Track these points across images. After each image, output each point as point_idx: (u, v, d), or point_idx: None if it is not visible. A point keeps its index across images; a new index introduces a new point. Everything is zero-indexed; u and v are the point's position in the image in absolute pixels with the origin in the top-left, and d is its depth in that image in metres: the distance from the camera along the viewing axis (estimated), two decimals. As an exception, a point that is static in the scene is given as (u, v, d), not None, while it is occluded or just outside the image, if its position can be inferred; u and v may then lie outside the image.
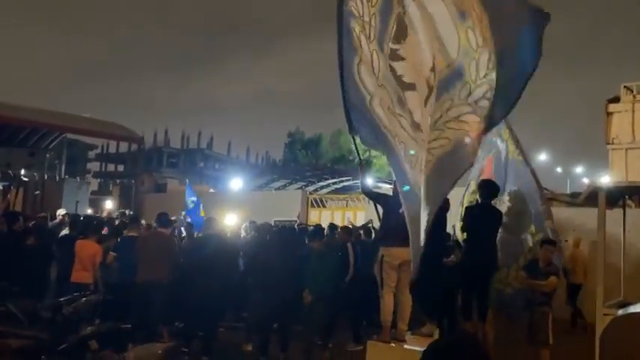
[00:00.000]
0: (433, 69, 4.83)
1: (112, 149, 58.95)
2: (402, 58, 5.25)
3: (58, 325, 6.28)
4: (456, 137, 4.46)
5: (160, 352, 4.74)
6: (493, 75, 4.24)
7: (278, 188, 25.86)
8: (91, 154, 58.27)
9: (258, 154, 66.68)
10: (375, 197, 6.26)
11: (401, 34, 5.19)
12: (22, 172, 20.15)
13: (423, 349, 5.15)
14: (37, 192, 19.63)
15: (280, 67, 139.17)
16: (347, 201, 18.60)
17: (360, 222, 13.93)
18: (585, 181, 41.62)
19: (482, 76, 4.35)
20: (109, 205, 11.99)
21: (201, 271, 7.57)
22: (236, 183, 24.79)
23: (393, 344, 5.77)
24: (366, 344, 5.85)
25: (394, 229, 5.77)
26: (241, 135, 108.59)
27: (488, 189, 6.71)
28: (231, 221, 12.05)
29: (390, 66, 5.34)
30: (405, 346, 5.73)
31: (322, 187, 24.59)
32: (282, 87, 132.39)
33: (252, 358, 7.45)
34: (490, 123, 4.33)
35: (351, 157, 39.37)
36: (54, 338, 5.58)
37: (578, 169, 44.47)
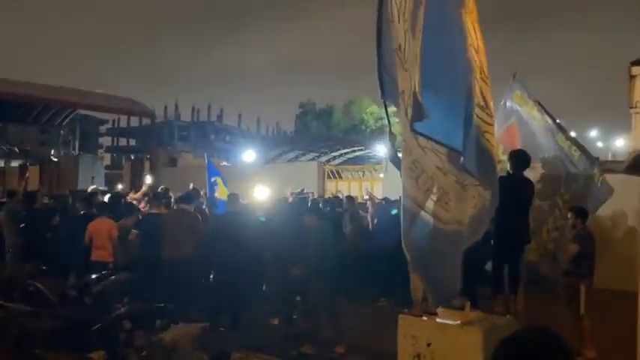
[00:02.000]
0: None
1: (123, 123, 59.05)
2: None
3: (87, 305, 6.34)
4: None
5: (196, 332, 4.73)
6: None
7: (291, 160, 25.76)
8: (102, 128, 58.43)
9: (268, 125, 66.51)
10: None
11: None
12: (52, 151, 20.17)
13: (456, 323, 5.06)
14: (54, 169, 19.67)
15: (295, 35, 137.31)
16: (363, 172, 18.46)
17: (378, 193, 13.84)
18: (600, 145, 41.19)
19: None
20: (148, 180, 11.71)
21: (226, 249, 7.56)
22: (249, 155, 24.71)
23: (425, 317, 5.72)
24: (398, 318, 5.80)
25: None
26: (251, 106, 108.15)
27: (520, 159, 6.54)
28: (261, 194, 11.89)
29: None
30: (438, 320, 5.67)
31: (335, 158, 24.44)
32: (294, 55, 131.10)
33: (280, 330, 7.47)
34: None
35: (363, 127, 39.10)
36: (86, 318, 5.61)
37: (593, 133, 43.86)
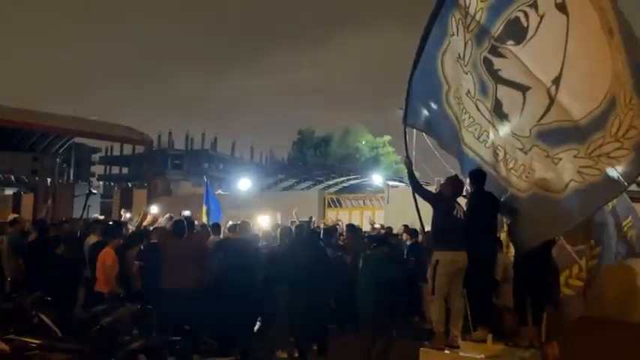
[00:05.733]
0: (557, 80, 5.22)
1: (116, 152, 58.83)
2: (504, 57, 5.57)
3: (96, 338, 6.10)
4: (607, 171, 4.97)
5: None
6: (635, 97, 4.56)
7: (286, 188, 25.66)
8: (95, 156, 58.14)
9: (262, 153, 66.46)
10: (428, 196, 6.02)
11: (511, 36, 5.49)
12: (48, 180, 19.79)
13: (480, 357, 4.93)
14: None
15: (285, 65, 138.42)
16: (364, 200, 18.36)
17: (379, 221, 13.72)
18: None
19: (628, 101, 4.61)
20: (153, 210, 11.57)
21: (233, 278, 7.38)
22: (244, 183, 24.53)
23: (447, 351, 5.58)
24: (419, 352, 5.64)
25: (449, 232, 5.59)
26: (244, 135, 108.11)
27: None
28: (264, 223, 11.72)
29: (486, 58, 5.70)
30: (460, 353, 5.54)
31: (330, 186, 24.39)
32: (286, 86, 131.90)
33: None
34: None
35: (357, 156, 39.18)
36: (98, 351, 5.39)
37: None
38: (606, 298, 9.55)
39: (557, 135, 5.36)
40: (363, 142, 39.46)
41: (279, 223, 12.07)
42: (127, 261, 7.81)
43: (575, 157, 5.22)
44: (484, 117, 5.99)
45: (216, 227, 9.55)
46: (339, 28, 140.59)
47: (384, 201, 15.89)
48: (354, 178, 25.13)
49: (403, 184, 19.31)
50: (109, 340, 5.70)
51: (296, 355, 7.47)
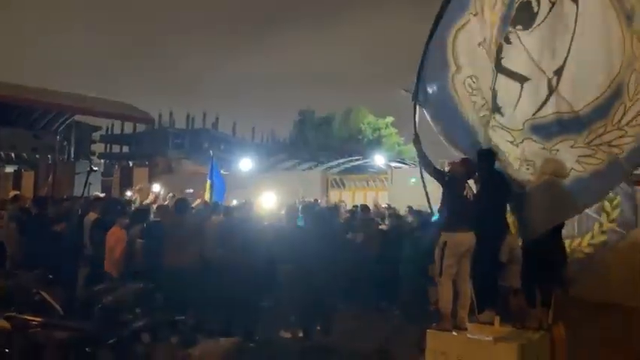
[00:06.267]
0: (559, 71, 5.02)
1: (117, 130, 58.54)
2: (510, 42, 5.28)
3: (99, 316, 6.02)
4: (609, 160, 4.93)
5: (226, 348, 4.46)
6: None
7: (287, 168, 25.52)
8: (95, 135, 57.86)
9: (263, 134, 66.18)
10: (438, 176, 5.89)
11: (521, 20, 5.21)
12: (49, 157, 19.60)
13: (489, 338, 4.82)
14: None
15: (289, 45, 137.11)
16: (367, 181, 18.25)
17: (383, 202, 13.67)
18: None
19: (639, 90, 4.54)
20: (155, 188, 11.49)
21: (235, 257, 7.32)
22: (245, 164, 24.35)
23: (455, 333, 5.50)
24: (426, 333, 5.56)
25: (458, 212, 5.48)
26: (246, 115, 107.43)
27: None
28: (269, 202, 11.59)
29: (500, 44, 5.36)
30: (468, 335, 5.46)
31: (332, 167, 24.28)
32: (289, 66, 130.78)
33: (296, 343, 7.21)
34: None
35: (360, 137, 38.98)
36: (100, 330, 5.31)
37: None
38: (611, 280, 9.44)
39: (553, 127, 5.25)
40: (366, 123, 39.21)
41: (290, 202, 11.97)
42: (130, 239, 7.72)
43: (572, 147, 5.18)
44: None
45: (218, 206, 9.45)
46: (345, 8, 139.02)
47: (388, 182, 15.77)
48: (357, 159, 24.99)
49: (406, 166, 19.17)
50: (111, 319, 5.63)
51: (300, 334, 7.43)
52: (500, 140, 5.69)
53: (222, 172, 25.46)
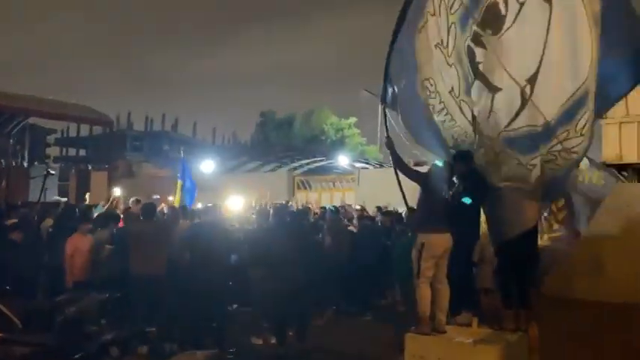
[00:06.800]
0: (533, 79, 4.86)
1: (73, 133, 56.91)
2: (485, 47, 5.09)
3: (62, 329, 5.71)
4: (567, 166, 4.99)
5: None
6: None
7: (250, 170, 25.25)
8: (50, 138, 56.05)
9: (224, 135, 65.38)
10: (414, 176, 5.79)
11: (490, 24, 5.01)
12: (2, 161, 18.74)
13: (468, 341, 4.75)
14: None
15: (244, 48, 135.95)
16: (334, 182, 18.15)
17: (350, 202, 13.57)
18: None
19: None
20: (117, 192, 11.09)
21: (204, 262, 7.06)
22: (207, 165, 23.90)
23: (434, 336, 5.41)
24: (405, 337, 5.46)
25: (436, 213, 5.40)
26: (206, 117, 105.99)
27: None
28: (236, 205, 11.32)
29: (469, 48, 5.16)
30: (447, 338, 5.38)
31: (296, 168, 24.11)
32: (246, 67, 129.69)
33: (270, 350, 7.02)
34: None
35: (323, 138, 38.89)
36: (64, 344, 5.02)
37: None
38: (573, 276, 9.56)
39: (528, 140, 5.11)
40: (329, 124, 39.14)
41: (261, 204, 11.76)
42: (96, 245, 7.37)
43: (540, 156, 5.12)
44: (468, 121, 5.54)
45: (186, 210, 9.15)
46: (311, 10, 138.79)
47: (355, 183, 15.72)
48: (321, 160, 24.90)
49: (372, 166, 19.19)
50: (76, 332, 5.34)
51: (273, 341, 7.24)
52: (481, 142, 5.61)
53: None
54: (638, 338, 6.90)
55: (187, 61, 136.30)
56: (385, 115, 6.46)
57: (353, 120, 39.20)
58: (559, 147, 4.89)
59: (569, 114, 4.74)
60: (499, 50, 5.04)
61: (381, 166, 18.90)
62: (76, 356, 4.74)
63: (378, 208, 11.20)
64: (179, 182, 12.50)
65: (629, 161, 12.68)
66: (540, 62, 4.83)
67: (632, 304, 8.53)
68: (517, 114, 5.07)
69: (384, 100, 6.33)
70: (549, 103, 4.91)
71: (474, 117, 5.41)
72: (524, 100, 4.99)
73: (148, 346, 5.29)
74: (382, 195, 12.23)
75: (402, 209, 10.70)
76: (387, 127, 6.41)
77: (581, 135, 4.72)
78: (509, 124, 5.16)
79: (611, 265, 9.83)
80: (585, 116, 4.64)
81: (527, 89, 4.95)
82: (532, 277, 6.07)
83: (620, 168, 11.47)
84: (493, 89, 5.18)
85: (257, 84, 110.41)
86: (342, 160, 23.05)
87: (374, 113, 32.22)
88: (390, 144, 6.13)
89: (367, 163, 22.51)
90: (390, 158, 6.13)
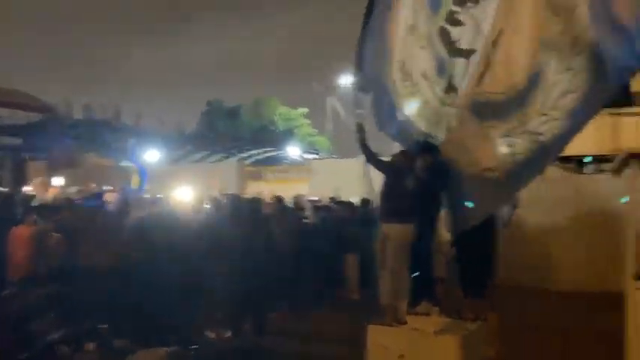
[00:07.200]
0: (495, 44, 4.77)
1: (7, 121, 54.14)
2: (463, 24, 5.06)
3: (5, 328, 5.33)
4: (534, 147, 4.65)
5: (164, 357, 4.03)
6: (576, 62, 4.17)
7: (197, 160, 24.80)
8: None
9: (170, 126, 63.71)
10: (380, 166, 5.73)
11: None
12: None
13: (430, 331, 4.74)
14: None
15: (192, 37, 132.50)
16: (287, 172, 17.97)
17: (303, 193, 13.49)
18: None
19: (564, 68, 4.27)
20: (57, 181, 10.54)
21: (156, 256, 6.81)
22: (152, 155, 23.19)
23: (395, 326, 5.40)
24: (367, 328, 5.43)
25: (397, 204, 5.36)
26: (151, 107, 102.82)
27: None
28: (185, 196, 10.95)
29: (443, 29, 5.15)
30: (410, 328, 5.38)
31: (244, 159, 23.81)
32: (196, 57, 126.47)
33: (226, 344, 6.86)
34: (575, 121, 4.34)
35: (272, 128, 38.59)
36: (8, 345, 4.68)
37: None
38: (521, 264, 9.76)
39: (486, 108, 5.03)
40: (278, 114, 38.86)
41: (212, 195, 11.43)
42: (40, 235, 6.93)
43: (500, 135, 4.98)
44: (440, 101, 5.50)
45: (138, 200, 8.76)
46: (267, 1, 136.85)
47: (309, 173, 15.63)
48: (270, 151, 24.72)
49: (325, 157, 19.17)
50: (20, 331, 5.00)
51: (227, 335, 7.07)
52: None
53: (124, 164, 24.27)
54: (585, 323, 7.21)
55: (133, 50, 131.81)
56: (357, 102, 6.33)
57: (304, 110, 39.08)
58: (521, 129, 4.71)
59: (526, 93, 4.61)
60: (478, 15, 5.01)
61: (333, 157, 18.94)
62: (21, 357, 4.39)
63: (332, 199, 11.15)
64: (134, 167, 12.06)
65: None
66: (503, 28, 4.75)
67: (579, 292, 8.90)
68: (481, 76, 4.97)
69: (358, 87, 6.24)
70: (506, 75, 4.80)
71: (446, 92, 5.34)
72: (487, 64, 4.92)
73: (102, 345, 5.01)
74: (335, 185, 12.23)
75: (355, 199, 10.76)
76: (359, 113, 6.25)
77: (544, 114, 4.50)
78: (476, 85, 5.07)
79: (560, 255, 10.22)
80: (542, 94, 4.46)
81: (491, 53, 4.88)
82: (490, 267, 6.16)
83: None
84: (469, 53, 5.13)
85: (207, 75, 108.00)
86: (292, 150, 22.96)
87: (324, 104, 32.32)
88: (360, 129, 5.95)
89: (316, 154, 22.51)
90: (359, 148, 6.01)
